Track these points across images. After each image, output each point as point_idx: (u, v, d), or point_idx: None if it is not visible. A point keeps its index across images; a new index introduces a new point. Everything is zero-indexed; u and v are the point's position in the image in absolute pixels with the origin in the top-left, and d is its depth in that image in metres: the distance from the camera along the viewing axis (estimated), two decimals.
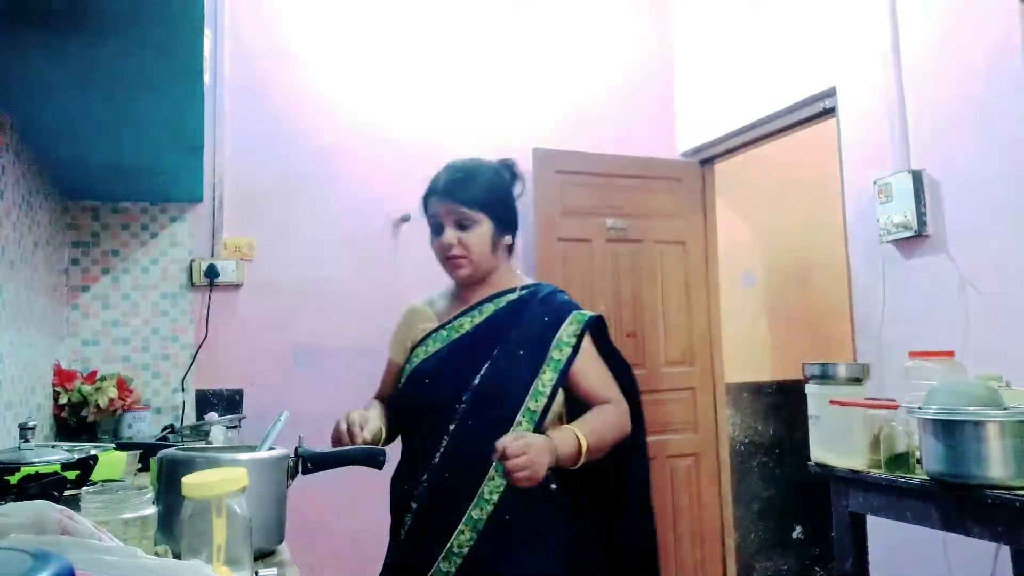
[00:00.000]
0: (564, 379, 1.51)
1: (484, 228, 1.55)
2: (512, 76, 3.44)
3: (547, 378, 1.49)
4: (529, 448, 1.34)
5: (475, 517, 1.43)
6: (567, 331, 1.53)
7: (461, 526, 1.43)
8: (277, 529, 1.14)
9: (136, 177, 2.52)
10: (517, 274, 1.67)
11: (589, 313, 1.57)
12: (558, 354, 1.51)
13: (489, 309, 1.59)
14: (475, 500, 1.43)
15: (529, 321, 1.55)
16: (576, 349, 1.52)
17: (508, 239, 1.61)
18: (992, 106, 2.21)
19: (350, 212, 3.14)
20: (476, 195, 1.54)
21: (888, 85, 2.53)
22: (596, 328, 1.57)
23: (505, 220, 1.59)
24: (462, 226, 1.55)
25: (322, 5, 3.20)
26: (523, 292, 1.60)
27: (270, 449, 1.17)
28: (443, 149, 3.28)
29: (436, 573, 1.43)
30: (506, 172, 1.64)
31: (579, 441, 1.42)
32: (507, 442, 1.35)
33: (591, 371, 1.54)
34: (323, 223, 3.10)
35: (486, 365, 1.51)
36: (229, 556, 0.80)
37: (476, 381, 1.50)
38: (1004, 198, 2.18)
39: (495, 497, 1.43)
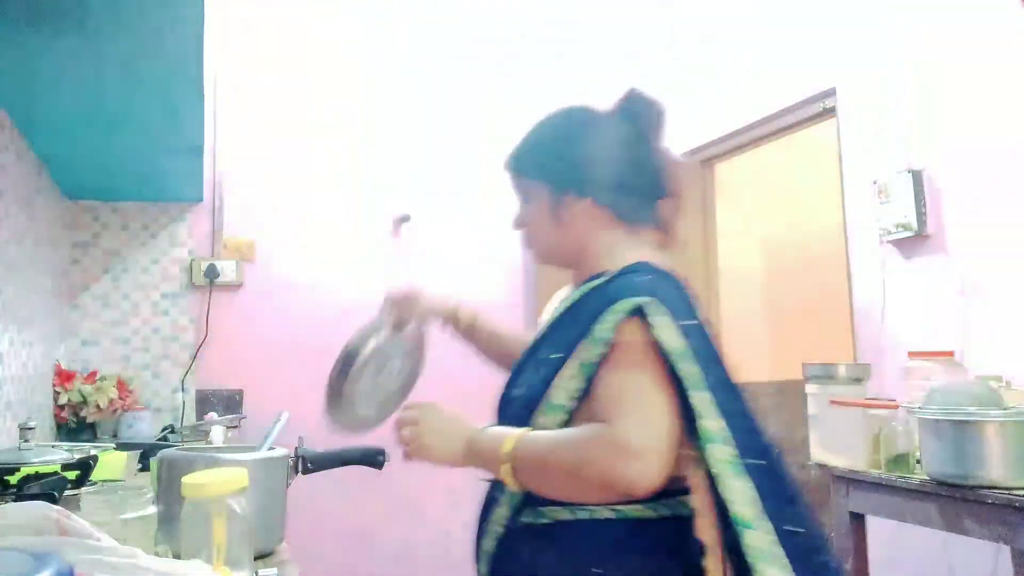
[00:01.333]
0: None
1: (540, 198, 1.19)
2: (512, 76, 3.44)
3: (572, 387, 1.05)
4: (425, 416, 1.11)
5: (485, 549, 1.14)
6: (605, 322, 1.02)
7: (480, 566, 1.16)
8: (277, 529, 1.15)
9: (136, 177, 2.52)
10: (625, 249, 1.15)
11: (644, 298, 1.00)
12: (586, 353, 1.03)
13: (566, 303, 1.17)
14: (486, 532, 1.16)
15: (578, 314, 1.10)
16: (611, 346, 1.01)
17: (582, 202, 1.15)
18: (992, 106, 2.21)
19: (350, 212, 3.14)
20: (524, 157, 1.22)
21: (888, 85, 2.53)
22: (646, 317, 0.99)
23: (566, 178, 1.16)
24: (526, 200, 1.23)
25: (322, 5, 3.20)
26: (607, 276, 1.11)
27: (270, 449, 1.18)
28: (443, 148, 3.31)
29: None
30: (579, 115, 1.22)
31: (502, 444, 1.03)
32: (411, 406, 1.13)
33: (610, 377, 1.00)
34: (323, 223, 3.10)
35: (516, 377, 1.19)
36: (229, 556, 0.80)
37: (501, 400, 1.19)
38: (1004, 198, 2.18)
39: (498, 528, 1.12)
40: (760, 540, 0.94)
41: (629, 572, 1.03)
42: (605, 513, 1.03)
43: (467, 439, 1.08)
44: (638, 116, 1.20)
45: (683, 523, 1.01)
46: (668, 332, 0.98)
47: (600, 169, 1.16)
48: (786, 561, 0.93)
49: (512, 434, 1.03)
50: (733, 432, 0.97)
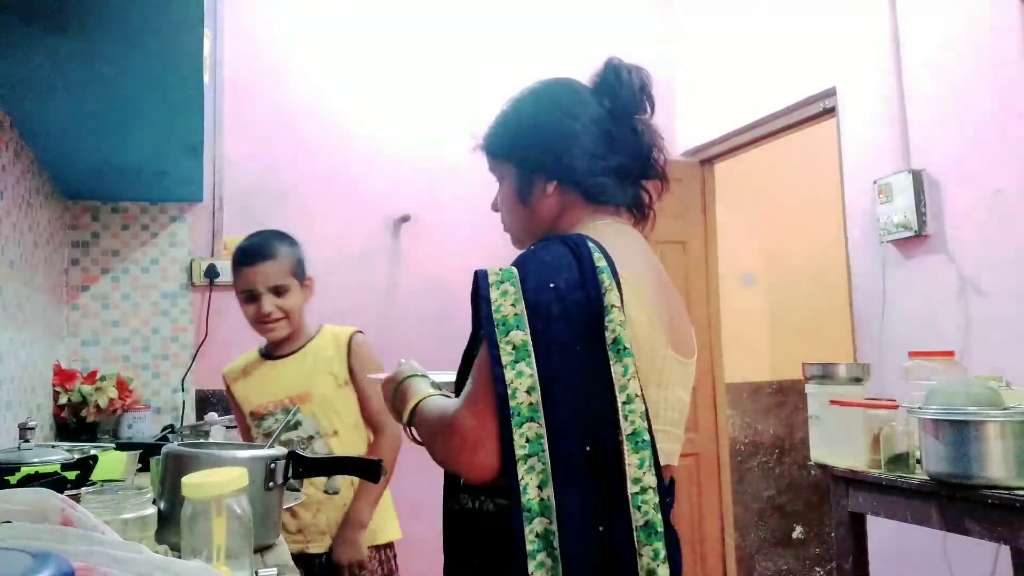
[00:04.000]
0: None
1: (510, 179, 1.21)
2: (512, 76, 3.43)
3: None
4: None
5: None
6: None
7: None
8: (273, 525, 1.15)
9: (136, 177, 2.52)
10: (583, 229, 1.12)
11: (494, 269, 1.01)
12: None
13: None
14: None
15: None
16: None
17: (548, 184, 1.14)
18: (992, 106, 2.21)
19: (350, 212, 3.14)
20: (495, 137, 1.23)
21: (888, 85, 2.53)
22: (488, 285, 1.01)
23: (533, 159, 1.15)
24: (500, 181, 1.23)
25: (322, 5, 3.20)
26: None
27: (282, 434, 1.19)
28: (442, 148, 3.30)
29: None
30: (551, 92, 1.24)
31: (407, 407, 1.10)
32: None
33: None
34: (323, 223, 3.10)
35: None
36: (229, 555, 0.80)
37: None
38: (1004, 198, 2.18)
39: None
40: None
41: (495, 562, 0.97)
42: (488, 505, 1.01)
43: (396, 388, 1.11)
44: (615, 89, 1.13)
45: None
46: (506, 302, 0.92)
47: (568, 150, 1.11)
48: None
49: (417, 396, 1.05)
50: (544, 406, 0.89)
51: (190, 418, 2.79)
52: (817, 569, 3.82)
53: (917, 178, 2.39)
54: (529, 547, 0.86)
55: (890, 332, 2.51)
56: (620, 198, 1.13)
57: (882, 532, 2.38)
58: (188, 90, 1.70)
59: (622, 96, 1.12)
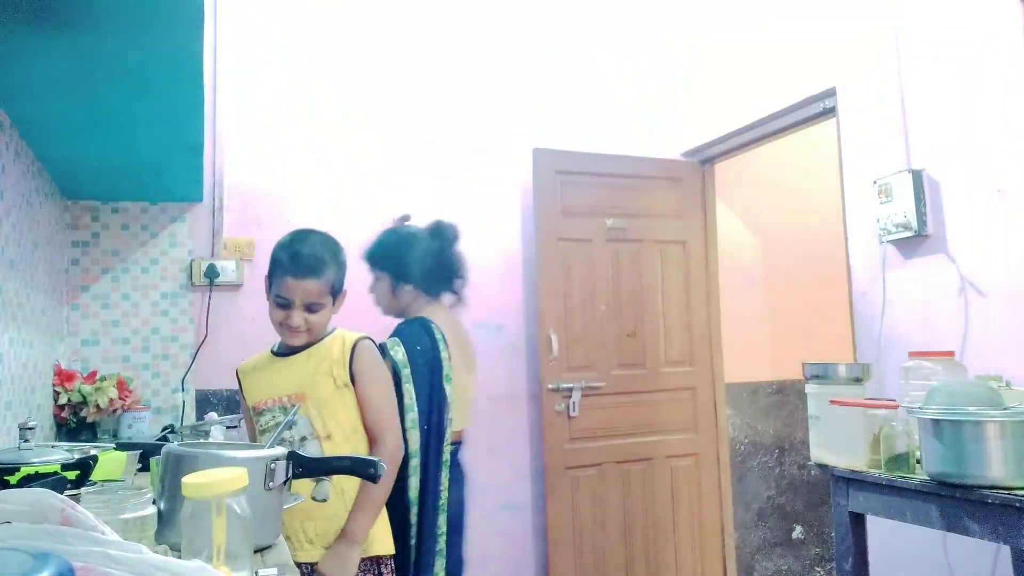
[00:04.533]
0: None
1: (385, 281, 2.35)
2: (513, 76, 3.44)
3: None
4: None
5: None
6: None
7: None
8: (273, 525, 1.15)
9: (136, 177, 2.52)
10: (421, 309, 2.33)
11: (391, 338, 2.19)
12: None
13: None
14: None
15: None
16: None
17: (407, 287, 2.33)
18: (993, 106, 2.21)
19: (350, 212, 3.14)
20: (376, 256, 2.34)
21: (888, 85, 2.53)
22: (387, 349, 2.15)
23: (399, 274, 2.30)
24: (376, 279, 2.39)
25: (322, 5, 3.20)
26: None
27: (280, 441, 1.18)
28: (443, 148, 3.31)
29: None
30: (405, 234, 2.36)
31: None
32: None
33: None
34: (323, 223, 3.08)
35: None
36: (229, 555, 0.80)
37: None
38: (1005, 198, 2.18)
39: None
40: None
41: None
42: None
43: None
44: (440, 233, 2.34)
45: None
46: (399, 354, 2.07)
47: (417, 267, 2.27)
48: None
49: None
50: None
51: (190, 418, 2.79)
52: (817, 569, 3.82)
53: (917, 178, 2.39)
54: (412, 471, 2.02)
55: (890, 332, 2.51)
56: (445, 290, 2.34)
57: (882, 532, 2.38)
58: (188, 90, 1.70)
59: (443, 239, 2.34)
